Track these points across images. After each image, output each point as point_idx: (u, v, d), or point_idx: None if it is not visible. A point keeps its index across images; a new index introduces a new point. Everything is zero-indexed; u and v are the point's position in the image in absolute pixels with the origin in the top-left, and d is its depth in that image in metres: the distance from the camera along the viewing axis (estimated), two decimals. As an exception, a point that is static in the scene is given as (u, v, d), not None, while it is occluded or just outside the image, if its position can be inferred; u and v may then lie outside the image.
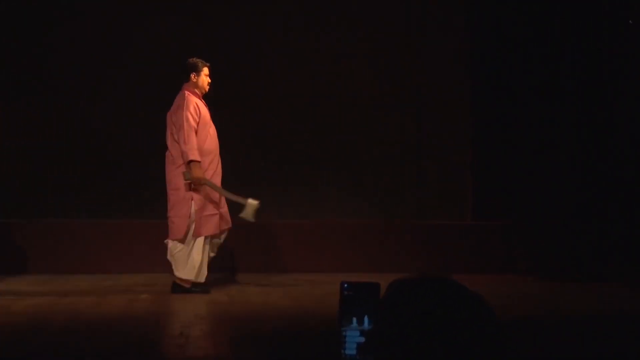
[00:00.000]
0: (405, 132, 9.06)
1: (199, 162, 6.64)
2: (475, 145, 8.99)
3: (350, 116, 8.98)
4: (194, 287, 6.79)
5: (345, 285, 2.18)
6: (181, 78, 6.90)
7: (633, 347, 4.67)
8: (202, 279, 6.79)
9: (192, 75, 6.84)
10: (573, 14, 8.53)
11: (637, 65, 8.32)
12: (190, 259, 6.76)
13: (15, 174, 8.65)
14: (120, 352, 4.49)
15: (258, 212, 6.70)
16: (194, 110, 6.70)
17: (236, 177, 8.66)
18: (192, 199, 6.72)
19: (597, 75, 8.47)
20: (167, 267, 6.99)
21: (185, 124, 6.63)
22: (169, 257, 6.85)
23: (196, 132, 6.68)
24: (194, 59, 6.91)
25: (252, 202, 6.69)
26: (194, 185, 6.68)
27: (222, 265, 7.90)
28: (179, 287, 6.82)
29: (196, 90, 6.85)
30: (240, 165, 8.52)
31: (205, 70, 6.86)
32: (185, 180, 6.68)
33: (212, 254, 6.89)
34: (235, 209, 6.84)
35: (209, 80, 6.89)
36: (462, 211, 9.00)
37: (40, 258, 8.23)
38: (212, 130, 6.84)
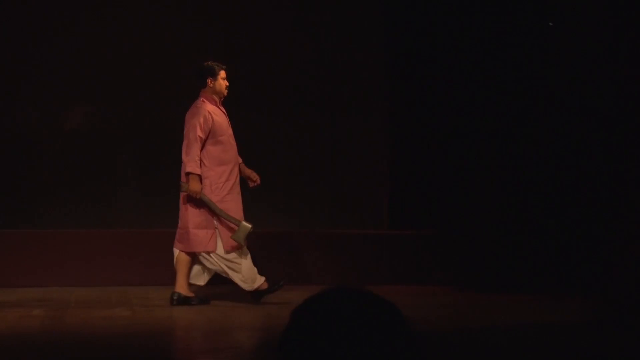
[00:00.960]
0: (320, 139, 8.94)
1: (198, 175, 6.50)
2: (392, 154, 8.93)
3: (263, 123, 8.79)
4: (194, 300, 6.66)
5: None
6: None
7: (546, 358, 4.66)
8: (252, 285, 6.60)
9: (209, 80, 6.66)
10: (493, 16, 8.56)
11: (558, 69, 8.37)
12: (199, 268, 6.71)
13: None
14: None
15: (249, 235, 6.59)
16: (204, 120, 6.54)
17: (146, 188, 8.47)
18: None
19: (517, 83, 8.50)
20: (62, 282, 6.69)
21: (190, 133, 6.51)
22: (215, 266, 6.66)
23: (204, 143, 6.54)
24: (210, 62, 6.73)
25: (245, 225, 6.56)
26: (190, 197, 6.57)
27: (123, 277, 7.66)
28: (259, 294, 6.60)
29: (214, 96, 6.68)
30: (150, 176, 8.32)
31: (222, 74, 6.68)
32: (182, 192, 6.58)
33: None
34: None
35: (227, 84, 6.71)
36: (378, 220, 8.92)
37: None
38: (230, 138, 6.69)
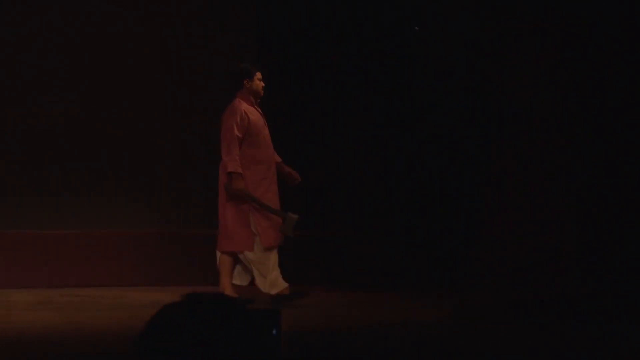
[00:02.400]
0: (195, 140, 8.88)
1: (240, 173, 6.68)
2: None
3: (133, 123, 8.71)
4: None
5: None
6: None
7: (415, 355, 4.81)
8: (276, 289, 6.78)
9: (245, 81, 6.87)
10: (367, 13, 8.76)
11: (424, 70, 8.65)
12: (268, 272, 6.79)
13: None
14: None
15: (297, 226, 6.78)
16: (241, 119, 6.72)
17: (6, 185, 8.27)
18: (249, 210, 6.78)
19: (386, 86, 8.73)
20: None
21: (227, 134, 6.70)
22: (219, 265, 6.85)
23: (242, 142, 6.72)
24: (245, 64, 7.03)
25: (292, 216, 6.78)
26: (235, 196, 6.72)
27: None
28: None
29: (250, 97, 6.88)
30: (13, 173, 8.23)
31: (259, 75, 6.91)
32: (227, 192, 6.73)
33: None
34: None
35: (263, 84, 6.92)
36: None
37: None
38: (266, 137, 6.89)
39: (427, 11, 8.74)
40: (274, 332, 2.05)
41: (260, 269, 6.78)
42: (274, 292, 6.78)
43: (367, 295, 7.64)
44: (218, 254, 6.89)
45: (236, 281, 6.91)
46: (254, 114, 6.86)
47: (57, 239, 8.24)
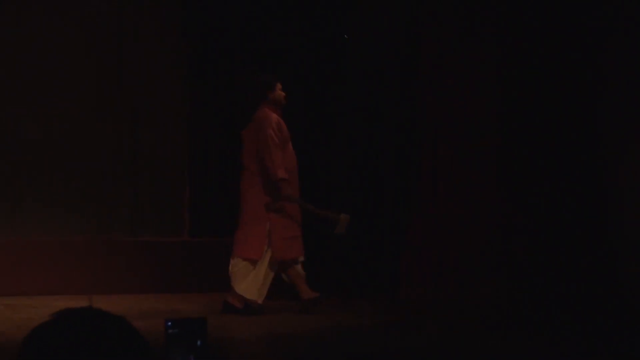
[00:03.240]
0: (121, 146, 8.81)
1: (287, 179, 6.73)
2: (191, 160, 8.95)
3: (62, 126, 8.58)
4: (246, 309, 6.74)
5: (169, 323, 2.04)
6: None
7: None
8: (261, 299, 6.80)
9: (268, 93, 6.93)
10: (293, 20, 8.77)
11: (357, 77, 8.72)
12: (255, 278, 6.78)
13: None
14: None
15: (349, 225, 6.89)
16: (277, 127, 6.81)
17: None
18: (269, 219, 6.78)
19: (323, 89, 8.77)
20: None
21: (270, 142, 6.72)
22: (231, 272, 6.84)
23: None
24: (264, 75, 7.12)
25: (345, 217, 6.90)
26: (282, 204, 6.75)
27: None
28: (230, 307, 6.76)
29: (275, 107, 6.93)
30: None
31: (279, 85, 6.98)
32: (277, 201, 6.74)
33: (273, 274, 6.90)
34: None
35: (284, 94, 6.97)
36: (179, 227, 8.92)
37: None
38: (291, 146, 6.94)
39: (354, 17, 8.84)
40: (199, 342, 2.07)
41: (240, 272, 6.80)
42: (257, 298, 6.82)
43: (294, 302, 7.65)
44: (238, 260, 6.86)
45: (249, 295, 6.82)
46: (283, 123, 6.93)
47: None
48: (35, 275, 7.97)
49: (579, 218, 7.78)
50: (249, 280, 6.81)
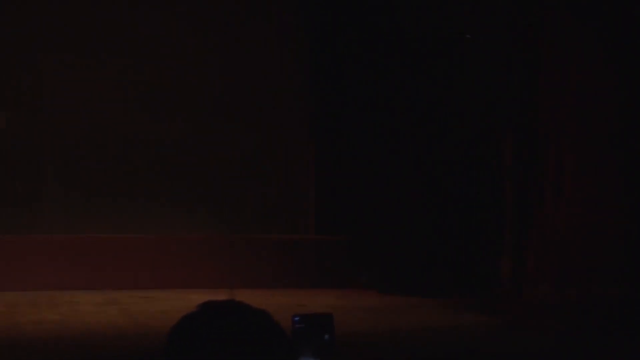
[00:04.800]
0: (247, 148, 8.94)
1: None
2: (316, 161, 8.98)
3: (191, 130, 8.81)
4: None
5: (296, 318, 2.08)
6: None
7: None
8: None
9: None
10: (412, 15, 8.66)
11: (477, 75, 8.56)
12: None
13: None
14: None
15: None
16: None
17: (76, 191, 8.43)
18: None
19: (430, 97, 8.66)
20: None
21: None
22: None
23: None
24: None
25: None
26: None
27: (48, 281, 7.60)
28: None
29: None
30: (81, 177, 8.28)
31: None
32: None
33: None
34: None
35: None
36: (305, 226, 9.00)
37: None
38: None
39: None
40: (326, 337, 2.08)
41: None
42: None
43: (417, 300, 7.62)
44: None
45: None
46: None
47: (124, 243, 8.35)
48: (170, 270, 8.22)
49: None
50: None
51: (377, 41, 8.72)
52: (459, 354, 5.00)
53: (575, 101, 7.96)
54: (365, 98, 8.69)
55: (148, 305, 7.07)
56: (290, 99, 9.06)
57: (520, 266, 8.09)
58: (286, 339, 1.53)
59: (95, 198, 8.41)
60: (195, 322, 1.52)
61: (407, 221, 8.57)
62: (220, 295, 1.62)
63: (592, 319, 6.74)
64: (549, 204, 8.04)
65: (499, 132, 8.47)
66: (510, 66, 8.39)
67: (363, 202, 8.67)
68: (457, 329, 6.13)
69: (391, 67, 8.70)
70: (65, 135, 8.51)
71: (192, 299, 7.12)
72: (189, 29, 8.78)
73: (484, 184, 8.50)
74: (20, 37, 8.40)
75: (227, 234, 8.66)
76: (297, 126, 9.04)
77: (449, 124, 8.69)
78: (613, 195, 7.80)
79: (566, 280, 7.86)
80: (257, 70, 8.92)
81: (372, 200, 8.66)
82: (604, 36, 7.84)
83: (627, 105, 7.77)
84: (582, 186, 7.91)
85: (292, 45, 9.02)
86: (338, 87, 8.81)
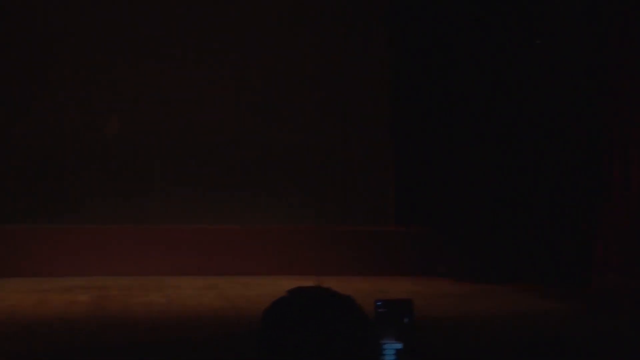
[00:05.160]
0: (328, 139, 8.79)
1: None
2: (397, 153, 8.81)
3: (283, 129, 8.84)
4: None
5: (379, 303, 2.09)
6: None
7: (530, 344, 4.70)
8: None
9: None
10: (493, 20, 8.36)
11: (552, 76, 8.34)
12: None
13: None
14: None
15: None
16: None
17: (182, 186, 8.58)
18: None
19: (513, 87, 8.45)
20: (104, 270, 6.75)
21: None
22: None
23: None
24: None
25: None
26: None
27: (156, 268, 7.74)
28: None
29: None
30: (186, 173, 8.40)
31: None
32: None
33: None
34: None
35: None
36: (385, 217, 8.93)
37: None
38: None
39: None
40: (406, 320, 2.05)
41: None
42: None
43: (492, 287, 7.50)
44: None
45: None
46: None
47: (223, 233, 8.44)
48: (264, 258, 8.28)
49: None
50: None
51: (456, 40, 8.45)
52: (536, 339, 4.89)
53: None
54: (444, 93, 8.44)
55: (243, 289, 7.14)
56: (373, 96, 8.91)
57: (590, 255, 7.87)
58: (369, 322, 1.53)
59: (199, 192, 8.53)
60: (285, 306, 1.53)
61: (482, 212, 8.42)
62: (308, 282, 1.62)
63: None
64: (616, 195, 7.80)
65: (572, 128, 8.21)
66: (585, 65, 8.10)
67: (441, 194, 8.52)
68: (531, 314, 6.00)
69: (467, 63, 8.48)
70: (172, 135, 8.63)
71: (283, 284, 7.12)
72: (282, 36, 8.78)
73: (557, 176, 8.27)
74: (126, 40, 8.54)
75: (313, 225, 8.68)
76: (378, 123, 8.93)
77: (524, 119, 8.46)
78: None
79: (636, 268, 7.60)
80: (343, 71, 8.83)
81: (449, 192, 8.51)
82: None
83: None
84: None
85: (375, 47, 8.85)
86: (418, 83, 8.60)
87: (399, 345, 2.03)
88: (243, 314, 5.75)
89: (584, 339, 4.89)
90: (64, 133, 8.51)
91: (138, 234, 8.19)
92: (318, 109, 8.88)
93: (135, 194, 8.51)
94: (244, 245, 8.34)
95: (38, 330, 5.26)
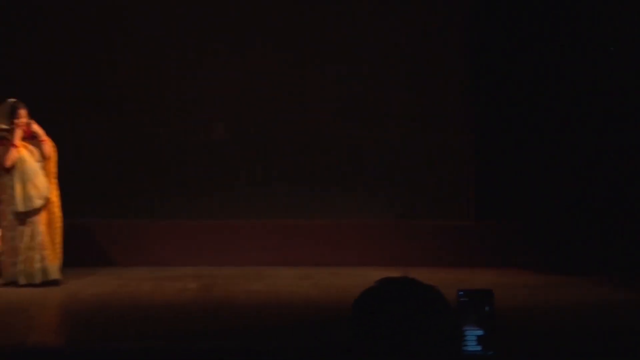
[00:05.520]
0: (410, 138, 8.63)
1: None
2: (477, 147, 8.55)
3: (357, 118, 8.60)
4: None
5: (461, 292, 2.08)
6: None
7: (611, 335, 4.52)
8: None
9: None
10: (572, 19, 8.02)
11: (635, 67, 7.98)
12: None
13: (92, 178, 8.45)
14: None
15: None
16: None
17: (279, 183, 8.67)
18: None
19: (596, 77, 8.11)
20: (212, 261, 6.85)
21: None
22: None
23: None
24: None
25: None
26: None
27: (256, 259, 7.84)
28: None
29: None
30: (283, 170, 8.48)
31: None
32: None
33: None
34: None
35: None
36: (466, 212, 8.77)
37: (113, 252, 8.08)
38: None
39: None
40: (487, 309, 2.02)
41: None
42: None
43: (568, 278, 7.27)
44: None
45: None
46: None
47: (315, 227, 8.47)
48: (354, 250, 8.27)
49: None
50: None
51: (536, 35, 8.10)
52: (609, 328, 4.71)
53: None
54: (523, 91, 8.13)
55: (335, 279, 7.14)
56: (455, 92, 8.64)
57: None
58: (452, 310, 1.52)
59: (294, 189, 8.58)
60: (374, 295, 1.52)
61: (560, 206, 8.15)
62: (395, 273, 1.60)
63: None
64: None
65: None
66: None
67: (519, 189, 8.29)
68: (605, 304, 5.78)
69: (545, 60, 8.11)
70: (268, 132, 8.63)
71: (371, 275, 7.11)
72: (370, 38, 8.64)
73: (634, 170, 7.91)
74: (218, 38, 8.57)
75: (397, 219, 8.61)
76: (461, 123, 8.75)
77: (597, 114, 8.12)
78: None
79: None
80: (425, 71, 8.64)
81: (528, 187, 8.27)
82: None
83: None
84: None
85: (455, 43, 8.60)
86: (498, 66, 8.26)
87: (480, 332, 2.01)
88: (335, 301, 5.75)
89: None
90: (176, 132, 8.62)
91: (240, 229, 8.31)
92: (405, 110, 8.75)
93: (237, 191, 8.63)
94: (336, 238, 8.34)
95: (153, 314, 5.40)
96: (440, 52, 8.69)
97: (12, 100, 6.43)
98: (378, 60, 8.71)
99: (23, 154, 6.38)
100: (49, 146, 6.56)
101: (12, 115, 6.36)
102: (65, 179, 7.04)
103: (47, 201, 6.51)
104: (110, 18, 8.56)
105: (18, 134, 6.37)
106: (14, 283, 6.39)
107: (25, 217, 6.39)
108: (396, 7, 8.73)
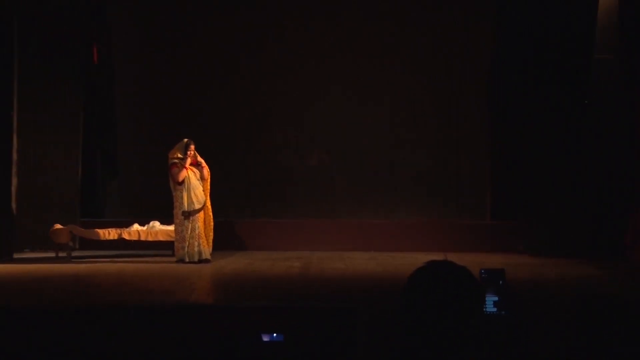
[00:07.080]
0: (435, 141, 8.37)
1: None
2: (494, 158, 7.96)
3: (385, 123, 8.40)
4: None
5: (482, 270, 2.09)
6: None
7: (590, 298, 4.21)
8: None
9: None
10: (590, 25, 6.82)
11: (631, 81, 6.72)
12: None
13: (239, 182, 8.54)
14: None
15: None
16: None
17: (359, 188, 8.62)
18: None
19: (606, 89, 6.98)
20: (309, 247, 6.79)
21: None
22: None
23: None
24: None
25: None
26: None
27: (338, 245, 7.79)
28: None
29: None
30: (363, 178, 8.41)
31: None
32: None
33: None
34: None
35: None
36: (484, 213, 8.40)
37: (245, 241, 8.08)
38: None
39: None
40: (501, 282, 1.98)
41: None
42: None
43: (556, 259, 6.89)
44: None
45: None
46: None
47: (381, 224, 8.29)
48: (406, 240, 8.10)
49: None
50: None
51: (549, 44, 6.90)
52: (590, 293, 4.43)
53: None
54: (542, 85, 6.92)
55: (393, 260, 7.06)
56: (472, 99, 8.20)
57: (621, 235, 6.96)
58: (478, 283, 1.50)
59: (362, 197, 8.53)
60: (424, 272, 1.51)
61: (553, 205, 7.41)
62: (438, 256, 1.59)
63: None
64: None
65: (632, 124, 6.75)
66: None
67: (525, 193, 7.60)
68: (586, 276, 5.46)
69: (575, 55, 6.91)
70: (351, 161, 8.55)
71: (419, 258, 6.96)
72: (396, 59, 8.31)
73: (617, 171, 6.95)
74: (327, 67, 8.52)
75: (437, 219, 8.38)
76: (477, 126, 8.22)
77: (591, 116, 7.00)
78: None
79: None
80: (451, 76, 8.24)
81: (531, 191, 7.53)
82: None
83: None
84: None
85: (476, 49, 8.08)
86: (516, 75, 7.11)
87: (496, 298, 1.99)
88: (393, 277, 5.66)
89: (623, 294, 4.38)
90: (292, 158, 8.58)
91: (329, 225, 8.27)
92: (425, 105, 8.20)
93: (328, 200, 8.63)
94: (393, 232, 8.21)
95: (271, 283, 5.46)
96: (464, 74, 8.13)
97: (186, 139, 6.84)
98: (418, 80, 8.21)
99: (190, 174, 6.80)
100: (206, 171, 6.94)
101: (186, 148, 6.75)
102: (217, 191, 7.20)
103: (204, 206, 6.85)
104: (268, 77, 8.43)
105: (188, 161, 6.74)
106: (181, 260, 6.72)
107: (189, 215, 6.75)
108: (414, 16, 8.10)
